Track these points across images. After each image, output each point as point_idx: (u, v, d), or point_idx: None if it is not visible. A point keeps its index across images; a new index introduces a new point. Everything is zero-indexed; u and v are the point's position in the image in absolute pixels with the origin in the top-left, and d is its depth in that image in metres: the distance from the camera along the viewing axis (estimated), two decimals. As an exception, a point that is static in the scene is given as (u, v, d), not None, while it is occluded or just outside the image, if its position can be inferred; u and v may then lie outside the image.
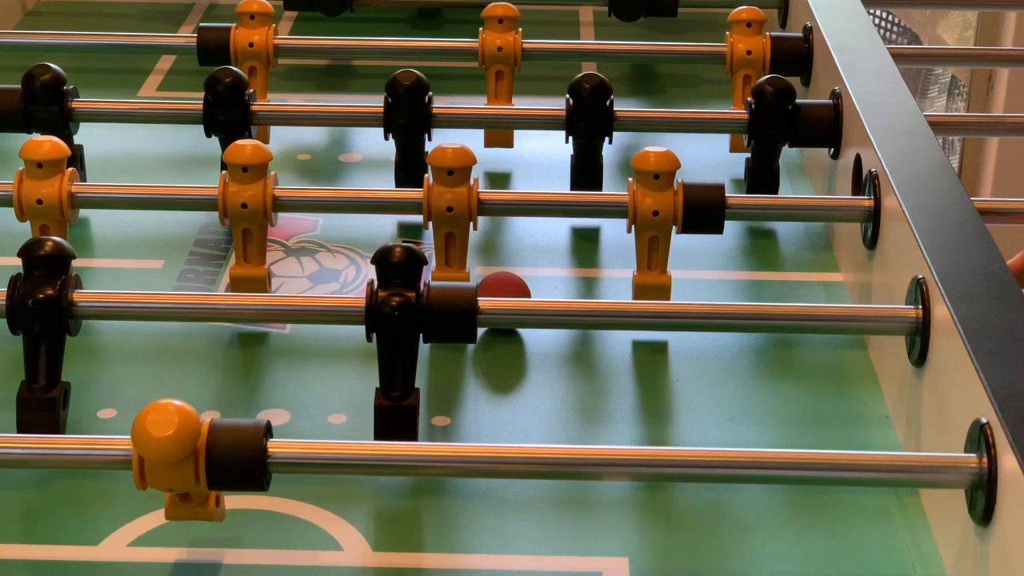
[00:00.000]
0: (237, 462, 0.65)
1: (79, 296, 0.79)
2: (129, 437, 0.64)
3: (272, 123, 1.11)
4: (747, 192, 1.03)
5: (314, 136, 1.16)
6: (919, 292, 0.77)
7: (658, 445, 0.79)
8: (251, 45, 1.14)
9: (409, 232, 1.01)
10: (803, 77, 1.14)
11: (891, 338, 0.81)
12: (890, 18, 3.06)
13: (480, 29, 1.14)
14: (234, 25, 1.14)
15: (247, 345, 0.88)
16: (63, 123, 1.02)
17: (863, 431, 0.81)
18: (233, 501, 0.70)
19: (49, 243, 0.78)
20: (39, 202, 0.90)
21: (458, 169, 0.89)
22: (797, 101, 1.00)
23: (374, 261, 0.78)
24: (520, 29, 1.14)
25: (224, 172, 0.90)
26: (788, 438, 0.80)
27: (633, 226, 0.89)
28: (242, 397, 0.84)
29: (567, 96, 1.01)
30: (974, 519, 0.65)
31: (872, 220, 0.88)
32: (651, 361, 0.87)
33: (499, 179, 1.10)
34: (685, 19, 1.31)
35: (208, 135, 1.02)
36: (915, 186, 0.85)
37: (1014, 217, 0.99)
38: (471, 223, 0.90)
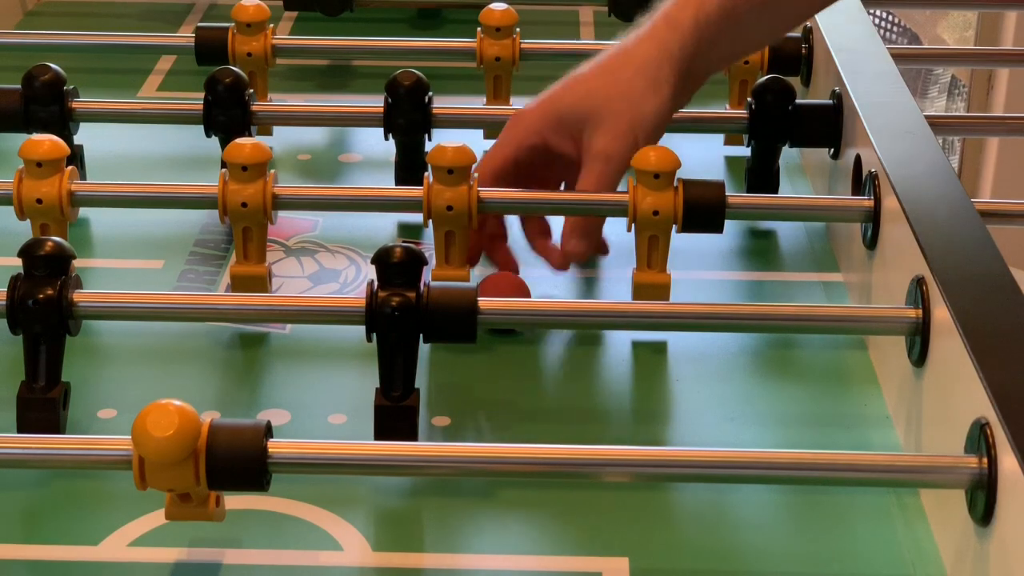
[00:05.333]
0: (237, 462, 0.65)
1: (79, 296, 0.79)
2: (129, 437, 0.64)
3: (272, 123, 1.11)
4: (747, 192, 1.03)
5: (314, 136, 1.16)
6: (919, 292, 0.77)
7: (658, 445, 0.79)
8: (249, 55, 1.13)
9: (409, 232, 1.01)
10: (803, 77, 1.14)
11: (891, 338, 0.81)
12: (890, 18, 3.06)
13: (478, 30, 1.14)
14: (232, 26, 1.14)
15: (247, 345, 0.88)
16: (63, 123, 1.02)
17: (863, 431, 0.81)
18: (233, 501, 0.70)
19: (49, 243, 0.78)
20: (39, 201, 0.90)
21: (458, 168, 0.89)
22: (797, 101, 1.00)
23: (374, 261, 0.78)
24: (518, 30, 1.14)
25: (224, 171, 0.90)
26: (788, 438, 0.80)
27: (633, 225, 0.89)
28: (242, 397, 0.84)
29: (567, 96, 1.01)
30: (974, 519, 0.65)
31: (872, 220, 0.88)
32: (651, 361, 0.87)
33: (499, 179, 1.10)
34: (685, 19, 1.30)
35: (208, 135, 1.02)
36: (915, 186, 0.85)
37: (1014, 218, 0.99)
38: (471, 222, 0.90)
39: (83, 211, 0.98)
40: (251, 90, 1.02)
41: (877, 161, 0.88)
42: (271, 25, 1.15)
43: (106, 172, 1.06)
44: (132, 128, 1.13)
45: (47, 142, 0.91)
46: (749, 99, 1.01)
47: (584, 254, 0.92)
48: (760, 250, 1.00)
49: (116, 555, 0.70)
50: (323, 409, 0.82)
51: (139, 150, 1.14)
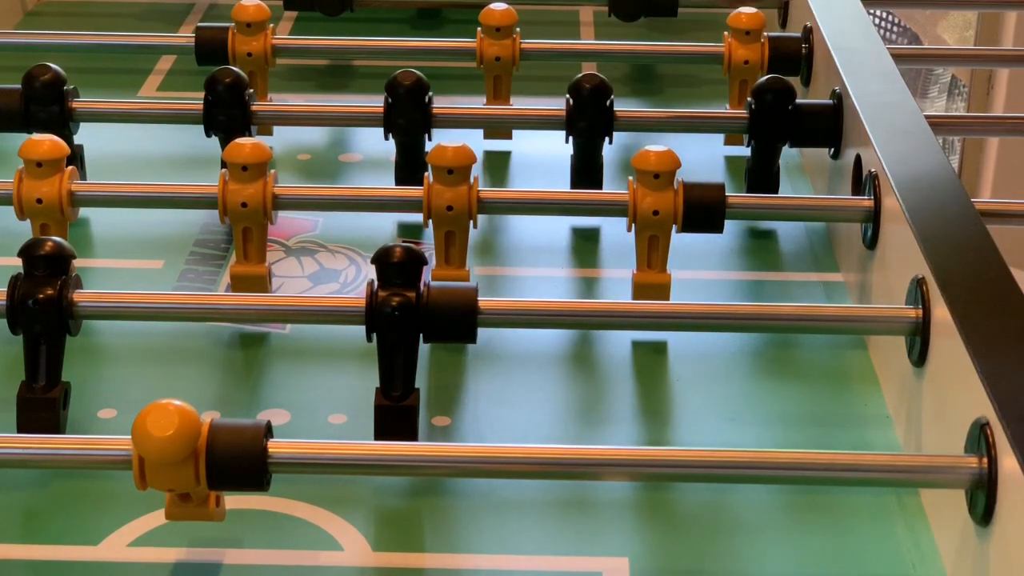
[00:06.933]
0: (237, 462, 0.65)
1: (79, 296, 0.79)
2: (129, 437, 0.64)
3: (272, 123, 1.11)
4: (747, 192, 1.03)
5: (314, 136, 1.16)
6: (919, 292, 0.77)
7: (658, 445, 0.79)
8: (250, 55, 1.13)
9: (409, 231, 1.01)
10: (803, 77, 1.14)
11: (891, 338, 0.81)
12: (890, 18, 3.06)
13: (478, 30, 1.14)
14: (232, 26, 1.14)
15: (247, 345, 0.88)
16: (63, 123, 1.02)
17: (863, 431, 0.81)
18: (233, 501, 0.70)
19: (49, 243, 0.78)
20: (39, 201, 0.90)
21: (458, 168, 0.89)
22: (797, 101, 1.00)
23: (374, 261, 0.78)
24: (518, 30, 1.14)
25: (224, 171, 0.90)
26: (788, 438, 0.80)
27: (633, 225, 0.89)
28: (242, 397, 0.84)
29: (567, 96, 1.01)
30: (974, 519, 0.65)
31: (872, 220, 0.88)
32: (651, 361, 0.87)
33: (499, 178, 1.10)
34: (685, 19, 1.31)
35: (208, 135, 1.02)
36: (915, 186, 0.85)
37: (1014, 218, 0.99)
38: (471, 222, 0.90)
39: (83, 211, 0.98)
40: (251, 90, 1.02)
41: (877, 161, 0.88)
42: (271, 25, 1.15)
43: (106, 172, 1.06)
44: (132, 128, 1.13)
45: (47, 142, 0.91)
46: (749, 99, 1.01)
47: None
48: (760, 250, 1.00)
49: (116, 555, 0.70)
50: (323, 409, 0.82)
51: (139, 150, 1.14)
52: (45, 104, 1.02)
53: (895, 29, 3.08)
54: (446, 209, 0.89)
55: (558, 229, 1.02)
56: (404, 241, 0.96)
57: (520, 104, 1.15)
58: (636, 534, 0.73)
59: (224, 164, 0.90)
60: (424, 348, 0.80)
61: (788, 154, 1.07)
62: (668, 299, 0.89)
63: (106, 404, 0.82)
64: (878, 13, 2.91)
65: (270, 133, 1.13)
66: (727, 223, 0.89)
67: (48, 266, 0.78)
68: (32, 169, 0.90)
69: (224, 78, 1.01)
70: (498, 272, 0.97)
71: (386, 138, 1.02)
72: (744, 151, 1.04)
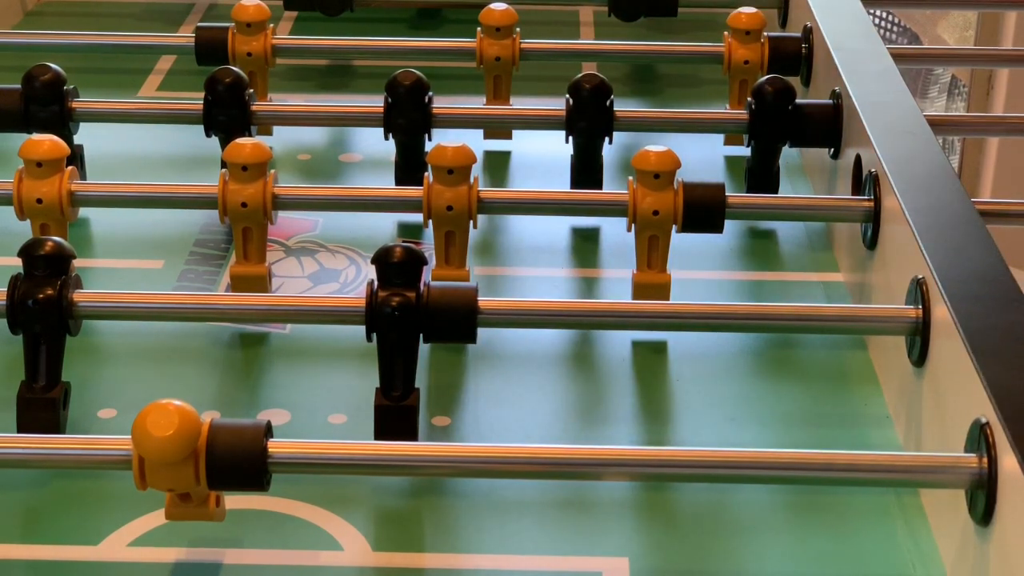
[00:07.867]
0: (237, 462, 0.65)
1: (79, 296, 0.79)
2: (129, 437, 0.64)
3: (272, 123, 1.11)
4: (747, 192, 1.03)
5: (314, 136, 1.16)
6: (919, 292, 0.77)
7: (658, 445, 0.79)
8: (250, 55, 1.13)
9: (409, 232, 1.01)
10: (803, 77, 1.14)
11: (891, 338, 0.81)
12: (890, 18, 3.06)
13: (478, 30, 1.14)
14: (232, 26, 1.14)
15: (247, 345, 0.88)
16: (63, 123, 1.02)
17: (863, 431, 0.81)
18: (233, 501, 0.70)
19: (49, 243, 0.78)
20: (39, 201, 0.90)
21: (458, 168, 0.89)
22: (797, 101, 1.00)
23: (374, 261, 0.78)
24: (518, 29, 1.14)
25: (224, 171, 0.90)
26: (788, 438, 0.80)
27: (633, 225, 0.89)
28: (242, 397, 0.84)
29: (567, 96, 1.01)
30: (974, 519, 0.65)
31: (872, 220, 0.88)
32: (651, 361, 0.87)
33: (499, 178, 1.10)
34: (685, 19, 1.31)
35: (208, 135, 1.02)
36: (915, 186, 0.85)
37: (1014, 218, 0.99)
38: (471, 222, 0.90)
39: (83, 211, 0.98)
40: (251, 90, 1.02)
41: (877, 161, 0.88)
42: (271, 25, 1.15)
43: (106, 172, 1.06)
44: (132, 128, 1.13)
45: (47, 142, 0.91)
46: (749, 99, 1.01)
47: None
48: (760, 250, 1.00)
49: (116, 555, 0.70)
50: (323, 409, 0.82)
51: (139, 150, 1.14)
52: (45, 104, 1.02)
53: (895, 29, 3.08)
54: (446, 209, 0.89)
55: (558, 229, 1.02)
56: (404, 241, 0.96)
57: (520, 104, 1.15)
58: (636, 534, 0.73)
59: (224, 164, 0.90)
60: (424, 348, 0.80)
61: (788, 154, 1.07)
62: (668, 299, 0.89)
63: (106, 404, 0.82)
64: (878, 13, 2.91)
65: (270, 133, 1.13)
66: (727, 223, 0.89)
67: (48, 266, 0.78)
68: (32, 169, 0.90)
69: (224, 78, 1.01)
70: (498, 272, 0.97)
71: (386, 138, 1.02)
72: (744, 151, 1.04)
